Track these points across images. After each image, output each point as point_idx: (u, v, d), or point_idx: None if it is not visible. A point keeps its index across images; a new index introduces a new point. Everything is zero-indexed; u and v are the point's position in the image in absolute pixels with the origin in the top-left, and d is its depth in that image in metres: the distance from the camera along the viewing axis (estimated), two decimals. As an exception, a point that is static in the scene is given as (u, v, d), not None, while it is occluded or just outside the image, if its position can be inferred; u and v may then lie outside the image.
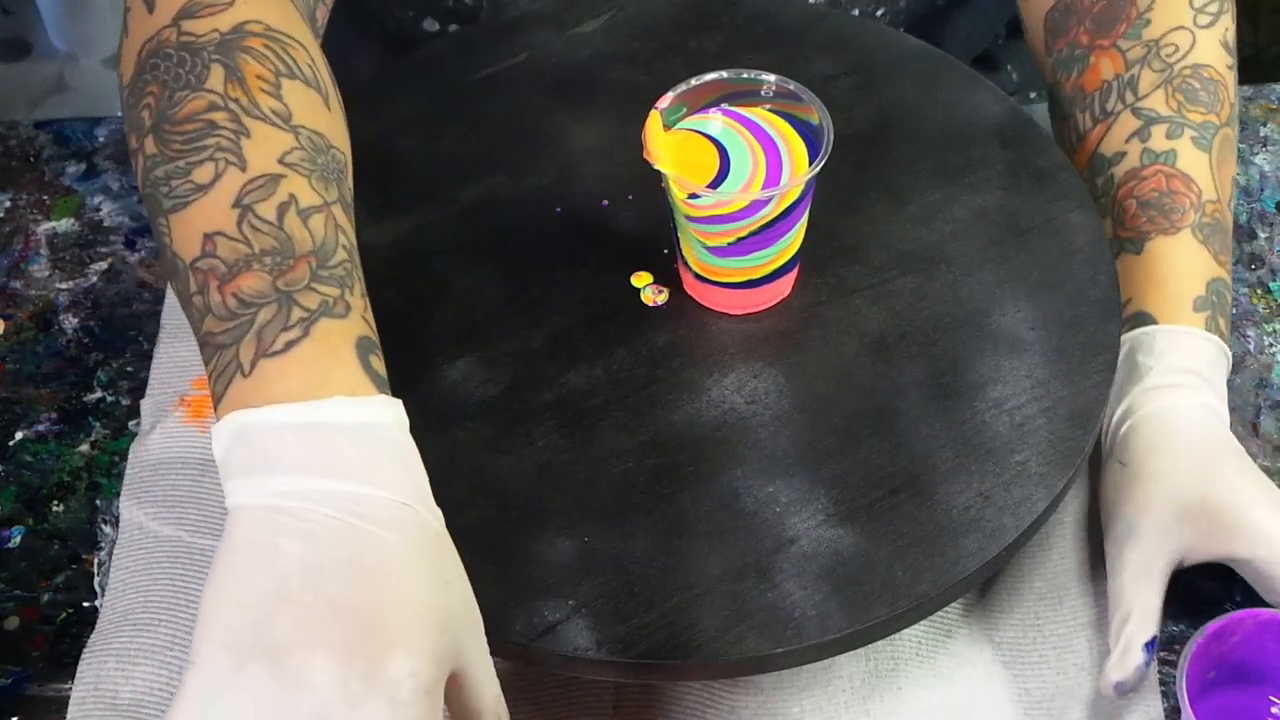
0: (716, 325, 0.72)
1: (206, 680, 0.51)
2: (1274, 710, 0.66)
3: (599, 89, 0.83)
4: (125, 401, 0.82)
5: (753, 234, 0.68)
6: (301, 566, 0.52)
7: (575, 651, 0.61)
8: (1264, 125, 0.92)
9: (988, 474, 0.66)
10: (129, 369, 0.84)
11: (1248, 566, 0.68)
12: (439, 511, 0.57)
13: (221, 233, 0.59)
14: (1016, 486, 0.66)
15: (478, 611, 0.57)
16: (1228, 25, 0.80)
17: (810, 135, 0.69)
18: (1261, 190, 0.89)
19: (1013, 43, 1.10)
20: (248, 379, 0.56)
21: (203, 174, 0.60)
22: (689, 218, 0.69)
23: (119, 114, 0.79)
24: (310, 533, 0.53)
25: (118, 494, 0.77)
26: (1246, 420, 0.79)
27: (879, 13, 0.93)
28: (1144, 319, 0.73)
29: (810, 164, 0.68)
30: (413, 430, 0.58)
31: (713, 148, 0.70)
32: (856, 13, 0.92)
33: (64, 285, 0.88)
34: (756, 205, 0.67)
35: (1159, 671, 0.68)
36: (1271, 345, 0.82)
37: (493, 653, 0.63)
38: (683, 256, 0.72)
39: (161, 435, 0.78)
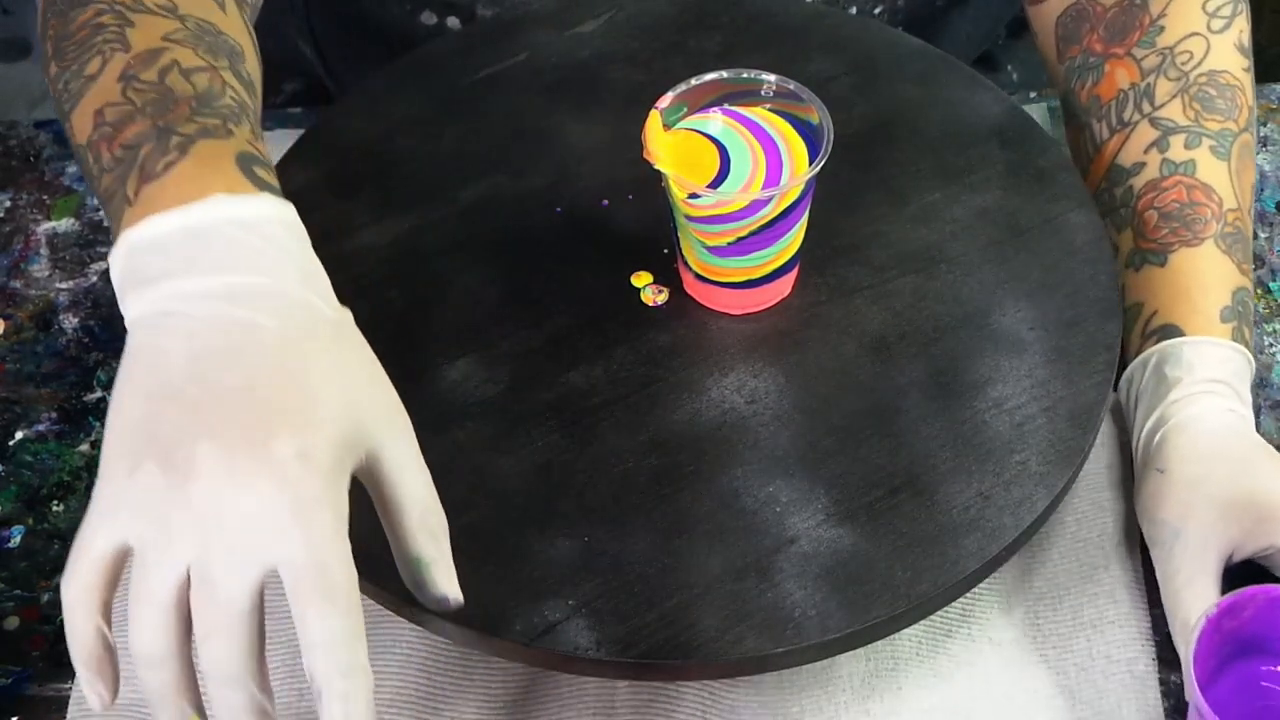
0: (716, 325, 0.72)
1: (109, 488, 0.52)
2: None
3: (599, 89, 0.83)
4: (125, 401, 0.82)
5: (753, 234, 0.68)
6: (184, 361, 0.53)
7: (575, 651, 0.61)
8: (1264, 125, 0.92)
9: (988, 474, 0.66)
10: (129, 369, 0.84)
11: None
12: (340, 305, 0.57)
13: (108, 103, 0.60)
14: (1016, 486, 0.66)
15: (397, 404, 0.56)
16: (1242, 27, 0.80)
17: (810, 135, 0.69)
18: (1261, 190, 0.89)
19: (1013, 43, 1.10)
20: (133, 207, 0.57)
21: (92, 66, 0.62)
22: (689, 217, 0.69)
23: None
24: (191, 330, 0.54)
25: (118, 494, 0.77)
26: (1246, 420, 0.79)
27: (876, 10, 0.93)
28: (1171, 331, 0.73)
29: (810, 164, 0.68)
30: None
31: (713, 147, 0.70)
32: (854, 10, 0.92)
33: (64, 285, 0.88)
34: (756, 205, 0.67)
35: (1159, 671, 0.68)
36: (1271, 345, 0.82)
37: (493, 653, 0.63)
38: (683, 256, 0.72)
39: (161, 434, 0.78)
